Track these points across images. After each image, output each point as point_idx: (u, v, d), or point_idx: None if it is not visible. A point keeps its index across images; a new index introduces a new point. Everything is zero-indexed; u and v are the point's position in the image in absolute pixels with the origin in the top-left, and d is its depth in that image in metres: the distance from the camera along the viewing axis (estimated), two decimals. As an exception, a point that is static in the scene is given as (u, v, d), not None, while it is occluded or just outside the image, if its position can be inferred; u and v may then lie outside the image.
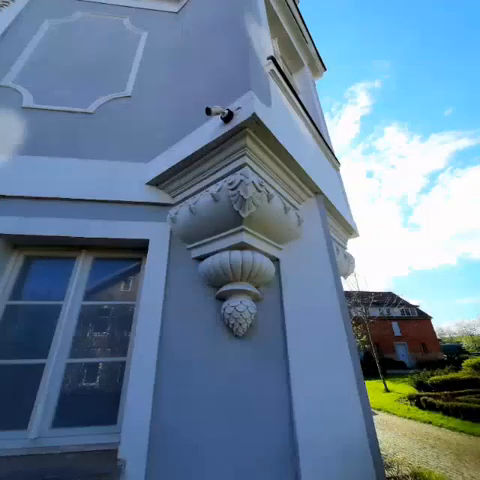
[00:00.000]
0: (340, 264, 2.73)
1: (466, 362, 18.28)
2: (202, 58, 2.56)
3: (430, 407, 11.32)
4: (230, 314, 1.63)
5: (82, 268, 1.99)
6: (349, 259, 3.07)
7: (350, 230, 3.26)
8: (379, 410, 12.43)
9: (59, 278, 1.97)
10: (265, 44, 2.41)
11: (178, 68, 2.77)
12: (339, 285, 2.12)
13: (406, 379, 18.19)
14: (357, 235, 3.43)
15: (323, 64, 4.96)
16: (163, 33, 3.21)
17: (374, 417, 9.50)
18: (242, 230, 1.68)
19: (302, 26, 4.19)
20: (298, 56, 4.29)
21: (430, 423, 9.90)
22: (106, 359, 1.85)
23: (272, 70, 2.19)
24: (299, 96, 3.47)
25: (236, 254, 1.67)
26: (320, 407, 1.58)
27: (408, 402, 12.85)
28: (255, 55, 2.07)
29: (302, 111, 2.63)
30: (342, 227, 3.12)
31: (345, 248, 3.29)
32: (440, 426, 9.48)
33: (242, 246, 1.70)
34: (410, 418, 10.76)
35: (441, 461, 6.76)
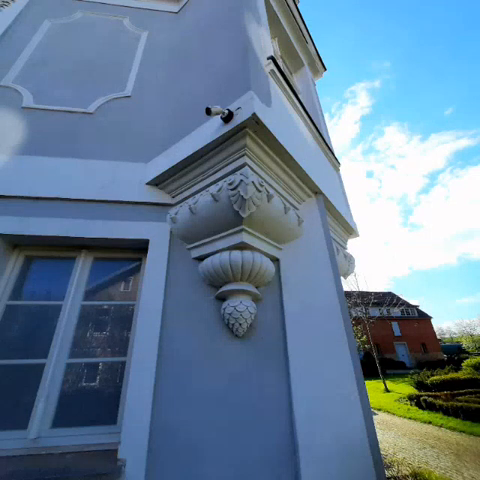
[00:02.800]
0: (340, 264, 2.73)
1: (466, 362, 18.28)
2: (202, 58, 2.55)
3: (430, 407, 11.33)
4: (230, 314, 1.63)
5: (82, 268, 1.99)
6: (349, 259, 3.07)
7: (350, 230, 3.26)
8: (379, 410, 12.43)
9: (59, 278, 1.97)
10: (265, 44, 2.41)
11: (178, 68, 2.77)
12: (339, 285, 2.11)
13: (406, 379, 18.21)
14: (357, 235, 3.43)
15: (323, 64, 4.96)
16: (163, 33, 3.21)
17: (374, 417, 9.50)
18: (242, 230, 1.68)
19: (302, 26, 4.19)
20: (298, 56, 4.29)
21: (430, 423, 9.90)
22: (106, 359, 1.85)
23: (272, 70, 2.19)
24: (299, 96, 3.47)
25: (236, 254, 1.67)
26: (320, 407, 1.58)
27: (408, 402, 12.85)
28: (255, 55, 2.07)
29: (302, 111, 2.63)
30: (342, 227, 3.12)
31: (345, 248, 3.29)
32: (440, 426, 9.49)
33: (242, 246, 1.70)
34: (410, 418, 10.77)
35: (441, 461, 6.76)
